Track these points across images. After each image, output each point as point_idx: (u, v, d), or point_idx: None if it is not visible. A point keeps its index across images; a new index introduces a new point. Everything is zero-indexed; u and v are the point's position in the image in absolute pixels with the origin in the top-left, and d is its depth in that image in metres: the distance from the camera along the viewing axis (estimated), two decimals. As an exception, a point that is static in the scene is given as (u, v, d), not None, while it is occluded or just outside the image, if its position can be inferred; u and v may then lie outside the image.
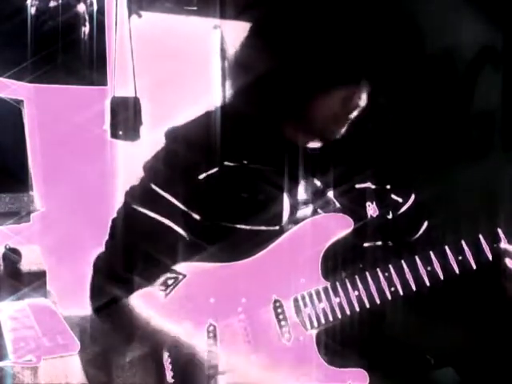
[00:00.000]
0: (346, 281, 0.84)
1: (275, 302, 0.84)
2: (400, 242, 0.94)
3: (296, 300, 0.84)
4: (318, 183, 0.91)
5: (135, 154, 1.66)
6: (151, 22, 1.70)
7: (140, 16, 1.68)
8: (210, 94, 1.60)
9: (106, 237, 0.92)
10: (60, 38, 1.58)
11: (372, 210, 0.92)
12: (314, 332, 0.83)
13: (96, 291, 0.90)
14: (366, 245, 0.91)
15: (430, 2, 1.30)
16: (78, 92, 1.62)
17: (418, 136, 1.16)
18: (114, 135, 1.64)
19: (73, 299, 1.18)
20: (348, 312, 0.83)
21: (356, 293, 0.82)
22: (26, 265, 1.24)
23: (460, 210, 1.19)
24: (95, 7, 1.63)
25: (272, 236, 0.87)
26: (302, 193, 0.90)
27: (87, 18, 1.63)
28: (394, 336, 0.97)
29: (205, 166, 0.88)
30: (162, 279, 0.86)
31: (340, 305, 0.83)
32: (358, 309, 0.82)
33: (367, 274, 0.83)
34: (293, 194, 0.90)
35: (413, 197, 0.97)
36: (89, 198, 1.59)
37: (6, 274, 1.19)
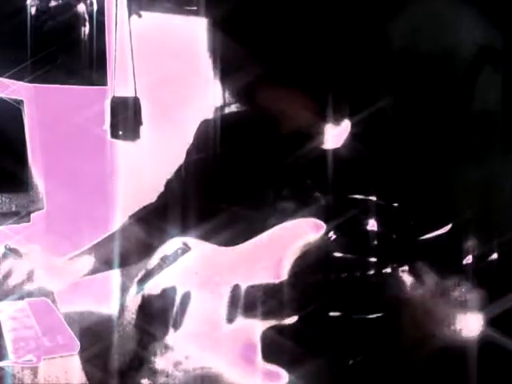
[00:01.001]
0: (303, 284, 0.83)
1: (234, 287, 0.85)
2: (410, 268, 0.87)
3: (249, 288, 0.84)
4: (308, 182, 0.91)
5: (135, 154, 1.66)
6: (151, 21, 1.70)
7: (140, 16, 1.69)
8: (210, 93, 1.60)
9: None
10: (60, 37, 1.58)
11: (371, 224, 0.88)
12: (263, 324, 0.83)
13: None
14: (349, 256, 0.87)
15: (430, 1, 1.30)
16: (78, 92, 1.62)
17: (418, 139, 1.14)
18: (114, 135, 1.65)
19: (73, 299, 1.18)
20: (293, 315, 0.82)
21: (306, 297, 0.82)
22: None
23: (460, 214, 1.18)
24: (95, 7, 1.63)
25: (252, 220, 0.90)
26: (286, 187, 0.92)
27: (87, 18, 1.63)
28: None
29: (198, 151, 1.01)
30: (175, 248, 0.94)
31: (288, 304, 0.82)
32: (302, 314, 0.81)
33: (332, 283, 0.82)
34: (276, 185, 0.92)
35: (448, 226, 0.88)
36: (89, 198, 1.59)
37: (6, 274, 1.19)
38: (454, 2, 1.30)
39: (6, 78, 1.22)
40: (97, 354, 0.90)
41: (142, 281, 0.97)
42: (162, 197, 1.12)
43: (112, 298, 1.25)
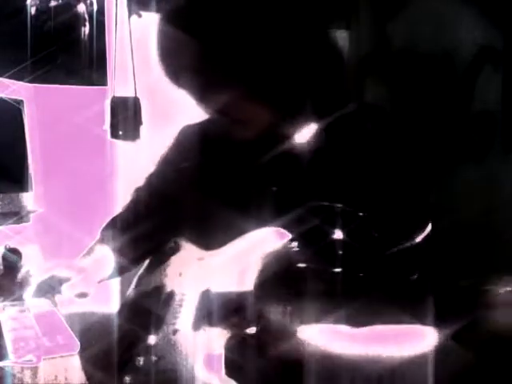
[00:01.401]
0: (266, 294, 0.82)
1: (202, 294, 0.85)
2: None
3: (213, 296, 0.84)
4: (274, 189, 0.90)
5: (135, 154, 1.66)
6: (151, 21, 1.70)
7: (140, 16, 1.68)
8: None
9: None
10: (60, 37, 1.58)
11: (336, 233, 0.84)
12: (226, 334, 0.83)
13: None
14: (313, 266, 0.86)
15: (430, 1, 1.31)
16: (78, 92, 1.62)
17: (417, 140, 1.13)
18: (114, 135, 1.64)
19: (72, 299, 1.18)
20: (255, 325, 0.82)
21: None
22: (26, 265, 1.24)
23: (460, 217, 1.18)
24: (95, 7, 1.63)
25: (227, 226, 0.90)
26: (252, 194, 0.90)
27: (87, 18, 1.63)
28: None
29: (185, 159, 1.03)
30: (168, 245, 0.95)
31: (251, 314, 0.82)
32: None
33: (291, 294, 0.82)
34: (244, 192, 0.91)
35: (417, 238, 0.86)
36: (89, 198, 1.59)
37: (6, 274, 1.19)
38: (454, 1, 1.30)
39: (6, 77, 1.22)
40: (97, 354, 0.90)
41: (139, 279, 0.97)
42: (131, 203, 1.11)
43: (111, 297, 1.25)
